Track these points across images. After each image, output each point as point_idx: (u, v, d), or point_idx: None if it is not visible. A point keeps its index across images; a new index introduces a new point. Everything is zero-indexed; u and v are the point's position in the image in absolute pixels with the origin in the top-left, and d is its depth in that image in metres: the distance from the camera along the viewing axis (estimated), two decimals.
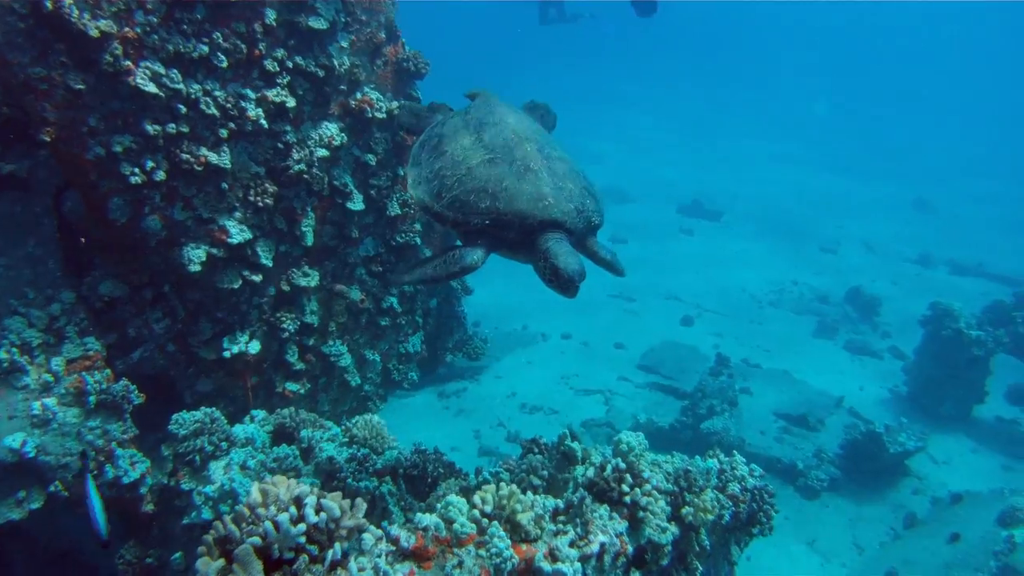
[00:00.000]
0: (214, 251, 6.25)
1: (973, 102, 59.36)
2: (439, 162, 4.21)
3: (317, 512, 2.84)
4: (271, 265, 6.64)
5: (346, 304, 7.41)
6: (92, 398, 5.84)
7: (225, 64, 5.91)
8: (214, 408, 6.33)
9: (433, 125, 4.75)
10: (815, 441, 12.78)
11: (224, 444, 6.16)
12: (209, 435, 6.13)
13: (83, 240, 6.09)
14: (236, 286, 6.48)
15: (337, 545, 2.75)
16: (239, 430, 6.39)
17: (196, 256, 6.15)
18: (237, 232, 6.29)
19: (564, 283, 3.77)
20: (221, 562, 2.72)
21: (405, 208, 7.84)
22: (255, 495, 2.95)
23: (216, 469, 6.07)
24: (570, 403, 13.36)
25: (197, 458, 6.11)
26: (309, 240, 6.87)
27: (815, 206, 29.28)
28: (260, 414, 6.73)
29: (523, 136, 4.23)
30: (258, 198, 6.38)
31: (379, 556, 2.97)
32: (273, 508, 2.85)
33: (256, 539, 2.73)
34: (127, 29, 5.35)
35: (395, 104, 7.17)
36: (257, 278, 6.57)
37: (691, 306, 18.48)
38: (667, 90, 53.81)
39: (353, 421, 6.27)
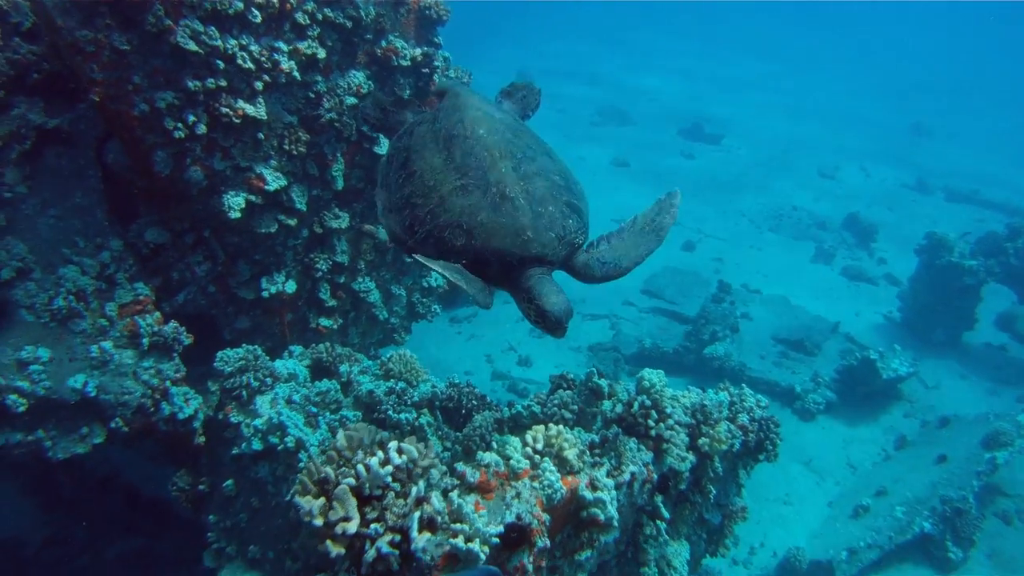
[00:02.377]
0: (252, 198, 6.57)
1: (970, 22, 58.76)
2: (408, 186, 3.92)
3: (399, 455, 3.29)
4: (305, 209, 6.97)
5: (374, 243, 7.78)
6: (145, 340, 6.25)
7: (259, 19, 6.12)
8: (255, 345, 6.78)
9: (400, 133, 4.43)
10: (812, 365, 13.38)
11: (269, 380, 6.60)
12: (254, 371, 6.57)
13: (130, 188, 6.40)
14: (273, 230, 6.83)
15: (421, 483, 3.22)
16: (281, 365, 6.83)
17: (236, 203, 6.47)
18: (273, 179, 6.61)
19: (552, 325, 3.63)
20: (322, 500, 3.17)
21: None
22: (341, 440, 3.40)
23: (263, 403, 6.52)
24: (577, 327, 13.83)
25: (244, 393, 6.55)
26: (339, 184, 7.19)
27: (816, 129, 29.41)
28: (298, 349, 7.17)
29: (497, 152, 3.89)
30: (292, 146, 6.68)
31: (452, 490, 3.43)
32: (360, 453, 3.30)
33: (351, 479, 3.18)
34: None
35: (419, 51, 7.39)
36: (292, 222, 6.92)
37: (692, 231, 18.85)
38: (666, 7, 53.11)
39: (388, 356, 6.70)
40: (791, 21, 57.32)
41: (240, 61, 6.12)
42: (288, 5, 6.33)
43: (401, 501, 3.25)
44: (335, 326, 7.81)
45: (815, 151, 26.26)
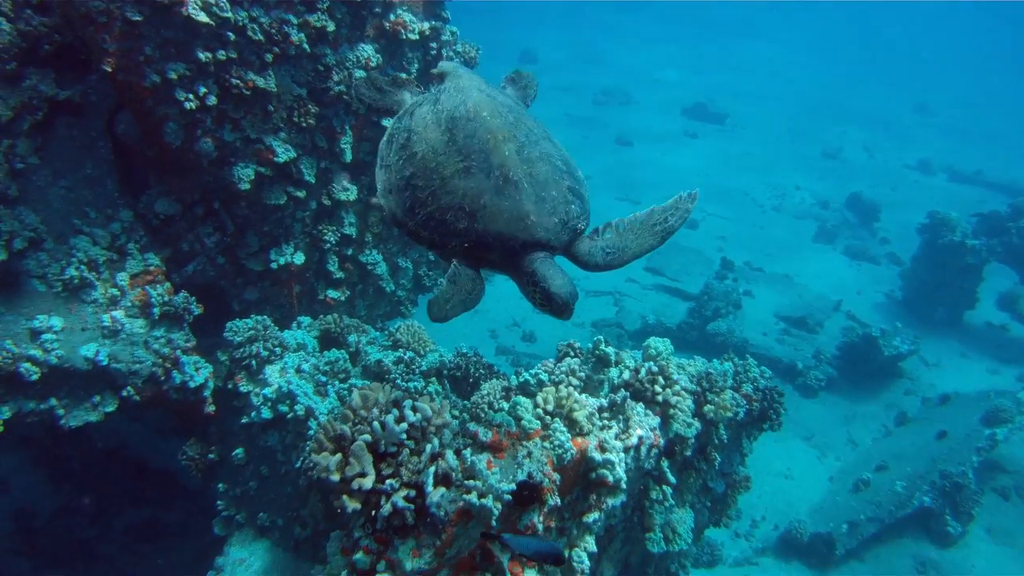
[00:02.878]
0: (262, 170, 6.62)
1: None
2: (409, 167, 3.84)
3: (414, 412, 3.36)
4: (313, 181, 7.03)
5: (381, 216, 7.83)
6: (156, 310, 6.32)
7: None
8: (264, 316, 6.86)
9: (400, 114, 4.32)
10: (814, 343, 13.45)
11: (278, 349, 6.69)
12: (263, 341, 6.65)
13: (140, 160, 6.44)
14: (282, 202, 6.89)
15: (435, 440, 3.29)
16: (289, 336, 6.91)
17: (246, 175, 6.52)
18: (283, 151, 6.66)
19: (558, 308, 3.57)
20: (339, 456, 3.25)
21: None
22: (357, 399, 3.47)
23: (272, 372, 6.61)
24: (580, 303, 13.89)
25: (253, 363, 6.64)
26: (348, 157, 7.24)
27: (817, 110, 29.36)
28: (306, 320, 7.25)
29: (500, 136, 3.82)
30: (301, 118, 6.72)
31: (465, 448, 3.51)
32: (376, 411, 3.37)
33: (367, 436, 3.25)
34: None
35: (427, 25, 7.41)
36: (301, 194, 6.97)
37: (695, 209, 18.82)
38: None
39: (396, 327, 6.78)
40: (797, 3, 57.01)
41: (250, 33, 6.15)
42: None
43: (416, 458, 3.32)
44: (343, 298, 7.88)
45: (819, 131, 26.25)
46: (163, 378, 6.34)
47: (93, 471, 8.71)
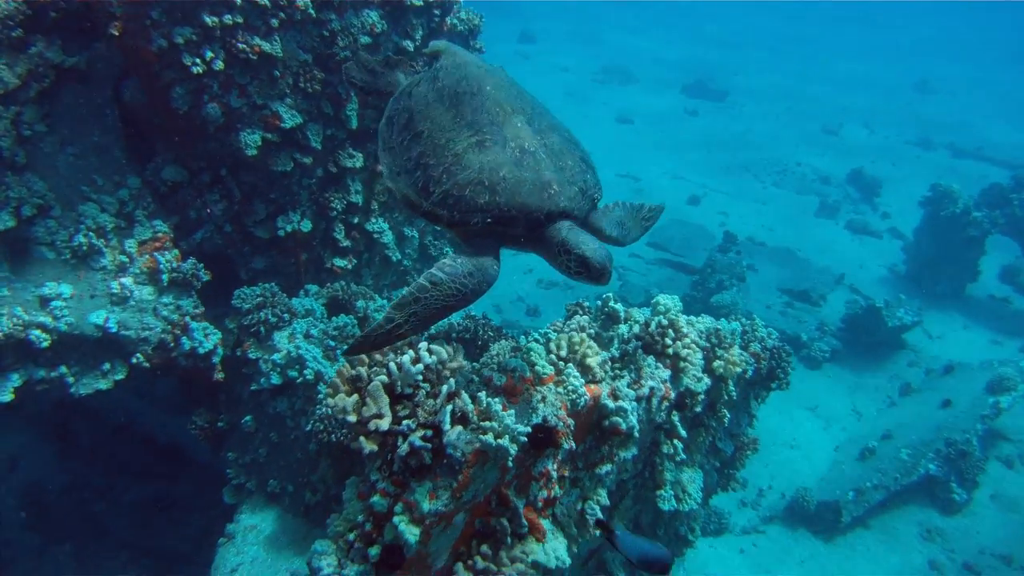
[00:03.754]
0: (268, 136, 6.62)
1: None
2: (417, 146, 3.68)
3: (430, 354, 3.38)
4: (319, 148, 7.02)
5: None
6: (165, 276, 6.33)
7: None
8: (272, 284, 6.87)
9: (397, 95, 4.14)
10: (817, 315, 13.49)
11: (286, 316, 6.70)
12: (271, 307, 6.67)
13: (147, 127, 6.44)
14: (288, 168, 6.88)
15: (452, 380, 3.30)
16: (297, 303, 6.93)
17: (252, 141, 6.52)
18: (289, 117, 6.65)
19: (597, 272, 3.44)
20: (355, 397, 3.27)
21: None
22: None
23: (281, 338, 6.63)
24: None
25: (262, 329, 6.66)
26: (354, 123, 7.23)
27: (819, 86, 29.31)
28: (313, 288, 7.27)
29: (509, 108, 3.74)
30: (307, 84, 6.71)
31: (479, 391, 3.53)
32: (391, 353, 3.38)
33: (384, 377, 3.27)
34: None
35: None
36: (307, 160, 6.97)
37: (697, 185, 18.89)
38: None
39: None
40: None
41: None
42: None
43: (432, 401, 3.34)
44: (349, 266, 7.88)
45: (819, 108, 26.22)
46: (172, 344, 6.35)
47: (102, 447, 8.76)
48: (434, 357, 3.40)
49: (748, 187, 19.58)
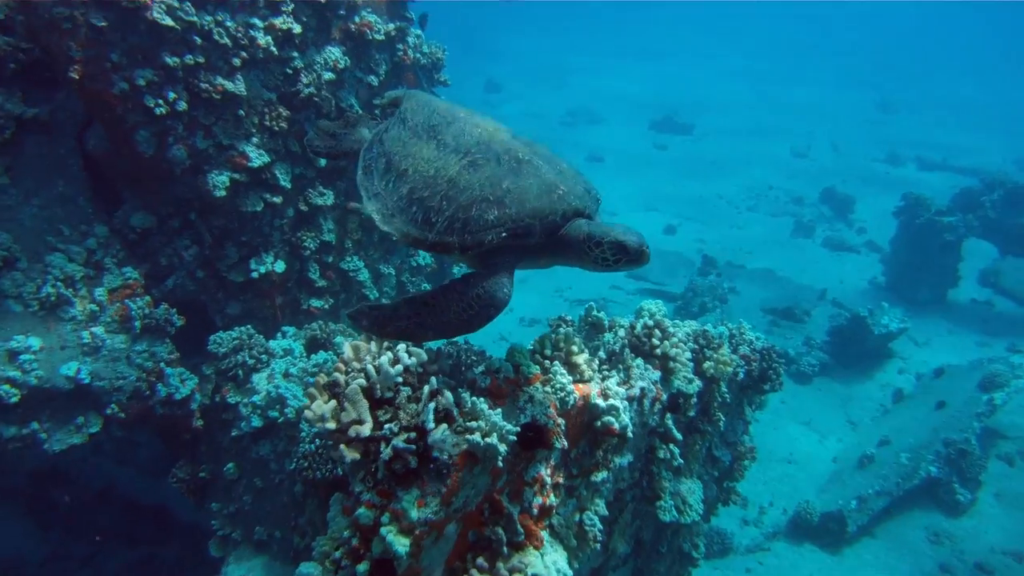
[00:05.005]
0: (236, 176, 6.55)
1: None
2: (405, 184, 3.53)
3: (409, 356, 3.25)
4: (289, 187, 6.95)
5: (360, 221, 7.75)
6: (137, 323, 6.18)
7: None
8: (248, 326, 6.73)
9: (367, 146, 4.00)
10: (803, 331, 13.44)
11: (264, 357, 6.56)
12: (248, 349, 6.52)
13: (113, 174, 6.35)
14: (259, 209, 6.80)
15: (433, 379, 3.17)
16: (275, 344, 6.79)
17: (220, 182, 6.44)
18: (256, 156, 6.59)
19: (636, 252, 3.37)
20: (333, 403, 3.13)
21: None
22: (348, 352, 3.35)
23: (260, 380, 6.47)
24: (566, 311, 13.89)
25: (240, 372, 6.50)
26: (322, 162, 7.18)
27: (783, 114, 29.80)
28: (291, 330, 7.12)
29: (491, 126, 3.67)
30: (273, 122, 6.66)
31: (463, 392, 3.40)
32: (368, 358, 3.26)
33: (362, 380, 3.14)
34: None
35: (392, 25, 7.42)
36: (277, 200, 6.89)
37: (671, 215, 18.98)
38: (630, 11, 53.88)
39: None
40: (753, 12, 58.20)
41: (217, 37, 6.13)
42: None
43: (414, 405, 3.20)
44: (326, 307, 7.76)
45: (786, 134, 26.61)
46: (148, 392, 6.19)
47: (83, 515, 8.51)
48: (414, 359, 3.27)
49: (723, 213, 19.71)
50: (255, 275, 7.03)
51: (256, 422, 6.33)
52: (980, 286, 15.33)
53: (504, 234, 3.28)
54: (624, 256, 3.37)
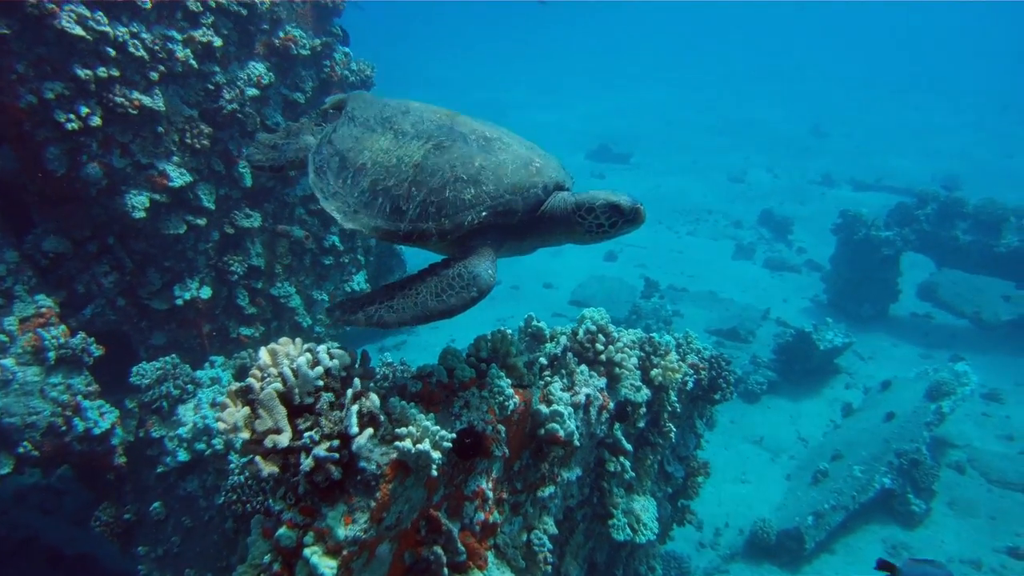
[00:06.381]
0: (156, 196, 6.21)
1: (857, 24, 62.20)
2: (365, 178, 3.30)
3: (330, 358, 2.97)
4: (213, 208, 6.64)
5: (289, 245, 7.45)
6: (51, 354, 5.76)
7: (148, 5, 5.85)
8: (173, 356, 6.34)
9: (316, 149, 3.74)
10: (748, 350, 13.39)
11: (190, 387, 6.18)
12: (174, 380, 6.13)
13: (22, 196, 5.96)
14: (181, 231, 6.46)
15: (356, 380, 2.89)
16: (202, 374, 6.41)
17: (139, 203, 6.10)
18: (177, 176, 6.27)
19: (631, 212, 3.26)
20: (246, 410, 2.82)
21: None
22: (264, 357, 3.04)
23: (186, 412, 6.08)
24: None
25: (165, 404, 6.11)
26: (248, 181, 6.88)
27: (717, 140, 30.29)
28: (219, 359, 6.75)
29: (447, 112, 3.51)
30: (194, 140, 6.37)
31: (392, 398, 3.12)
32: (286, 361, 2.96)
33: (278, 384, 2.84)
34: None
35: (318, 41, 7.20)
36: (201, 222, 6.57)
37: (611, 242, 18.88)
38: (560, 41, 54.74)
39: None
40: (683, 33, 59.80)
41: (132, 49, 5.82)
42: None
43: (337, 413, 2.91)
44: (257, 335, 7.41)
45: (722, 159, 26.95)
46: (64, 428, 5.75)
47: (4, 565, 7.96)
48: (336, 361, 2.98)
49: (663, 239, 19.75)
50: (180, 302, 6.67)
51: (182, 456, 5.94)
52: (919, 299, 15.50)
53: (484, 213, 3.13)
54: (620, 218, 3.26)
